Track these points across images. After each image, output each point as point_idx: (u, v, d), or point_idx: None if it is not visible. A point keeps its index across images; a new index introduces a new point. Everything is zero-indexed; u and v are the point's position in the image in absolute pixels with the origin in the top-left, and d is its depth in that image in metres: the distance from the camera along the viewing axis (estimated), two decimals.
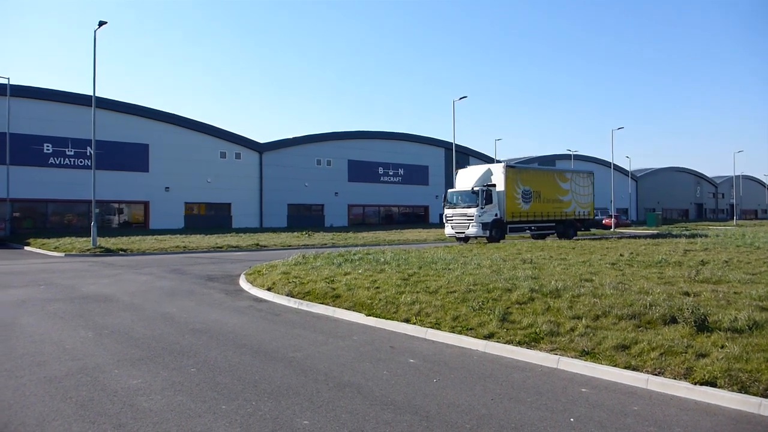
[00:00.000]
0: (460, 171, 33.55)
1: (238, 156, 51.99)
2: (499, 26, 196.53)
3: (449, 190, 32.56)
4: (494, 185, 31.30)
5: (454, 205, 31.53)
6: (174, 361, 7.43)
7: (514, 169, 33.32)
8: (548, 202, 35.12)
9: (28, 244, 29.21)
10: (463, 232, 30.92)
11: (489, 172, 32.05)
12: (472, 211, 30.38)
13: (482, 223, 30.27)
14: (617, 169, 75.97)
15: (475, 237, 31.43)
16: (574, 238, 35.99)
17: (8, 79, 34.57)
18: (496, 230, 31.03)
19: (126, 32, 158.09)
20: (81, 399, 5.91)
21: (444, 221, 32.34)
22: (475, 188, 30.56)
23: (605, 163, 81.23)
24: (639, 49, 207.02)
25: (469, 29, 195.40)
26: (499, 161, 73.25)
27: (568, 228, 36.60)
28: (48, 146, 41.19)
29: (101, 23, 27.68)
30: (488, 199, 30.38)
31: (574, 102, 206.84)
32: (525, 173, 34.14)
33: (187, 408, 5.66)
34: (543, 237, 35.86)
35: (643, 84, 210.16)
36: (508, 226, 32.00)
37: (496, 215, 30.95)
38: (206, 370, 7.03)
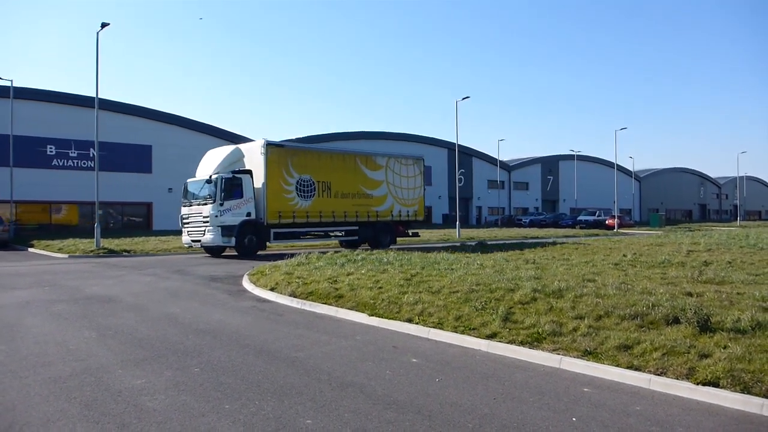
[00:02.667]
0: (208, 152, 25.12)
1: None
2: (501, 27, 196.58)
3: (188, 180, 24.26)
4: (248, 171, 23.50)
5: (190, 201, 23.53)
6: (178, 361, 7.45)
7: (281, 148, 24.18)
8: (347, 198, 26.31)
9: (32, 246, 29.30)
10: (199, 240, 22.73)
11: (238, 153, 24.09)
12: (207, 210, 22.35)
13: (222, 227, 22.25)
14: (620, 169, 75.93)
15: (215, 246, 23.50)
16: (392, 246, 27.89)
17: (11, 81, 34.68)
18: (249, 237, 23.19)
19: (128, 33, 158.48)
20: (85, 399, 5.93)
21: (180, 224, 24.13)
22: (213, 176, 22.40)
23: (609, 164, 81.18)
24: (642, 49, 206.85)
25: (471, 30, 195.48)
26: (503, 162, 73.32)
27: (381, 233, 27.89)
28: (51, 148, 41.31)
29: (104, 25, 27.73)
30: (232, 192, 22.58)
31: (578, 103, 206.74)
32: (302, 155, 24.97)
33: (191, 407, 5.69)
34: (355, 246, 27.37)
35: (647, 84, 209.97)
36: (273, 230, 23.77)
37: (248, 215, 22.99)
38: (210, 370, 7.05)
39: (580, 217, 63.18)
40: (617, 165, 65.62)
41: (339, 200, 25.91)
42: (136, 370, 7.04)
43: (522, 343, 7.95)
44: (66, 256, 24.46)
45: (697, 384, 6.17)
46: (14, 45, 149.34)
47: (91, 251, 24.98)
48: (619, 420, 5.47)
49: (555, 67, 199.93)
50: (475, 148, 72.91)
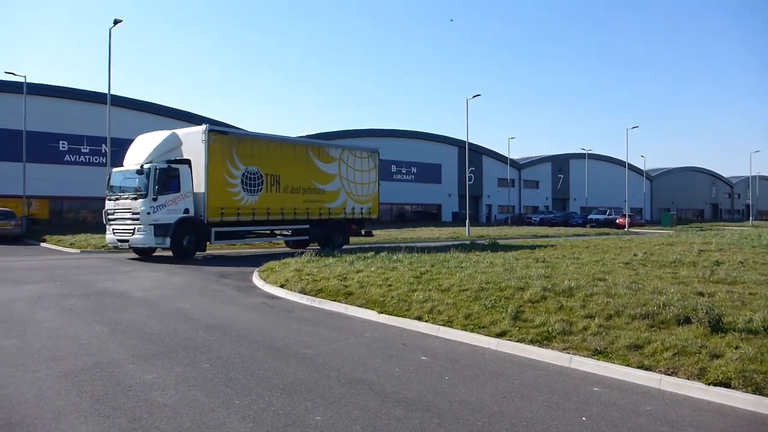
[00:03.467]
0: (140, 137, 21.72)
1: None
2: (511, 26, 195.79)
3: (114, 170, 21.25)
4: (186, 161, 20.45)
5: (117, 194, 20.35)
6: (188, 356, 7.49)
7: (225, 136, 21.12)
8: (297, 193, 23.64)
9: (44, 241, 29.49)
10: (128, 239, 19.74)
11: (175, 140, 20.76)
12: (138, 205, 19.24)
13: (156, 226, 19.28)
14: (632, 168, 75.58)
15: (146, 247, 20.57)
16: (344, 246, 25.28)
17: (25, 77, 34.88)
18: (188, 238, 20.24)
19: (139, 30, 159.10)
20: (96, 393, 5.97)
21: (104, 220, 20.99)
22: (144, 165, 19.32)
23: (620, 163, 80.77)
24: (654, 48, 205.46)
25: (481, 28, 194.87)
26: (513, 160, 73.09)
27: (333, 232, 25.37)
28: (63, 144, 41.57)
29: (116, 21, 27.90)
30: (167, 185, 19.59)
31: (589, 101, 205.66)
32: (249, 144, 22.02)
33: (201, 403, 5.71)
34: (304, 245, 25.18)
35: (659, 83, 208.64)
36: (214, 229, 20.83)
37: (186, 212, 20.00)
38: (220, 365, 7.08)
39: (591, 216, 62.91)
40: (628, 164, 65.29)
41: (289, 196, 23.26)
42: (147, 365, 7.08)
43: (532, 342, 7.94)
44: (78, 251, 24.62)
45: (709, 384, 6.14)
46: (27, 40, 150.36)
47: (103, 246, 25.12)
48: (629, 420, 5.44)
49: (566, 65, 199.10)
50: (485, 146, 72.76)
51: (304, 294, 12.15)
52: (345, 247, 25.30)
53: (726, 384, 6.07)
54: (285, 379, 6.57)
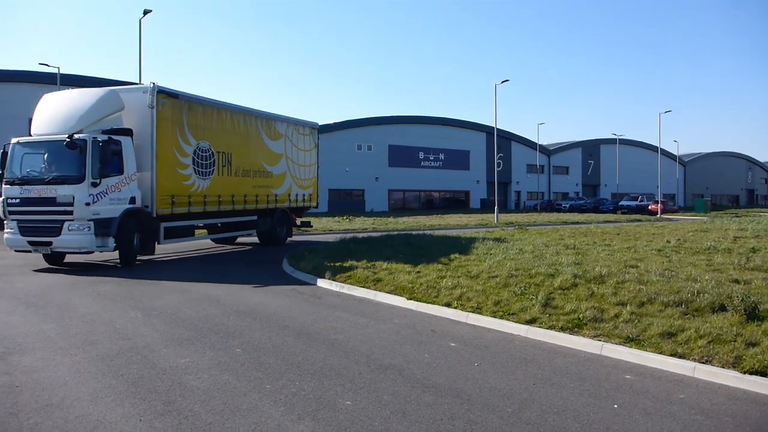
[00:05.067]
0: (55, 95, 15.82)
1: None
2: (540, 11, 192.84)
3: (18, 140, 15.02)
4: (128, 131, 15.23)
5: (26, 177, 14.47)
6: (220, 341, 7.60)
7: (176, 100, 16.17)
8: (247, 176, 19.50)
9: None
10: (50, 241, 14.12)
11: (115, 101, 15.31)
12: (69, 192, 13.88)
13: (96, 222, 14.02)
14: (664, 153, 74.22)
15: (79, 252, 14.83)
16: (289, 239, 22.65)
17: (58, 68, 35.50)
18: (137, 237, 15.29)
19: (171, 19, 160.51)
20: (132, 377, 6.11)
21: (4, 215, 14.76)
22: (79, 136, 14.00)
23: (652, 148, 79.25)
24: (689, 29, 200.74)
25: (510, 13, 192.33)
26: (542, 146, 72.28)
27: (278, 225, 21.53)
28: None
29: (146, 12, 28.18)
30: (108, 165, 14.29)
31: (620, 86, 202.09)
32: (200, 112, 17.23)
33: (233, 387, 5.80)
34: (231, 242, 21.90)
35: (693, 65, 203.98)
36: (164, 225, 16.05)
37: (132, 201, 14.95)
38: (251, 350, 7.18)
39: (622, 203, 61.97)
40: (661, 149, 64.04)
41: (240, 180, 19.07)
42: (180, 349, 7.20)
43: (562, 329, 7.88)
44: None
45: (744, 373, 6.03)
46: (58, 32, 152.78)
47: None
48: (662, 408, 5.38)
49: (597, 49, 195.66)
50: (514, 132, 72.03)
51: (333, 280, 12.21)
52: (290, 240, 22.85)
53: (762, 373, 5.97)
54: (315, 364, 6.63)
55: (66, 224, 13.88)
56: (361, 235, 20.82)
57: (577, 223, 38.01)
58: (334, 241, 18.21)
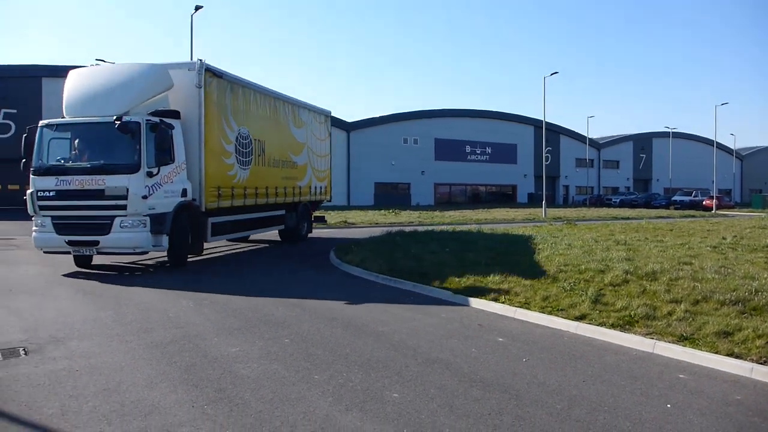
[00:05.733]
0: (79, 73, 13.54)
1: None
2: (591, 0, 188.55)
3: (51, 122, 12.96)
4: (176, 114, 13.47)
5: (61, 167, 12.56)
6: (269, 331, 7.73)
7: (221, 80, 14.55)
8: (278, 166, 17.98)
9: None
10: (97, 240, 12.22)
11: (165, 79, 13.42)
12: (121, 183, 12.03)
13: (152, 218, 12.30)
14: (720, 147, 71.75)
15: (131, 253, 13.20)
16: (310, 236, 21.22)
17: (113, 63, 36.45)
18: (190, 235, 13.70)
19: (213, 10, 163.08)
20: (184, 364, 6.27)
21: (33, 209, 12.55)
22: (131, 118, 12.22)
23: (707, 141, 76.85)
24: (746, 17, 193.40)
25: (559, 3, 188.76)
26: (592, 139, 70.86)
27: (301, 219, 20.05)
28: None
29: (197, 8, 28.68)
30: (163, 152, 12.63)
31: (674, 77, 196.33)
32: (241, 94, 15.65)
33: (282, 376, 5.90)
34: (246, 239, 19.54)
35: (750, 56, 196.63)
36: (211, 221, 14.48)
37: (183, 194, 13.30)
38: (299, 341, 7.27)
39: (675, 198, 60.32)
40: (716, 143, 62.06)
41: (272, 170, 17.58)
42: (231, 338, 7.35)
43: (613, 326, 7.73)
44: None
45: None
46: (109, 27, 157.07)
47: None
48: (717, 409, 5.24)
49: (649, 39, 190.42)
50: (563, 126, 70.77)
51: (380, 273, 12.26)
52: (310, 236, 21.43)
53: None
54: (362, 355, 6.68)
55: (117, 220, 11.96)
56: (407, 229, 20.80)
57: (628, 218, 37.15)
58: (382, 234, 18.22)
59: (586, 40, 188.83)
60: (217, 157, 14.32)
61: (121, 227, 12.01)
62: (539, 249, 13.92)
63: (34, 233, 12.54)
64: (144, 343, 7.07)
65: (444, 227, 24.04)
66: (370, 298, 10.23)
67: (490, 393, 5.52)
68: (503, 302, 9.32)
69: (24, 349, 6.74)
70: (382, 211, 39.86)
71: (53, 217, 12.28)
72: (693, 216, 42.25)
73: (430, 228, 23.24)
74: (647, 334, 7.34)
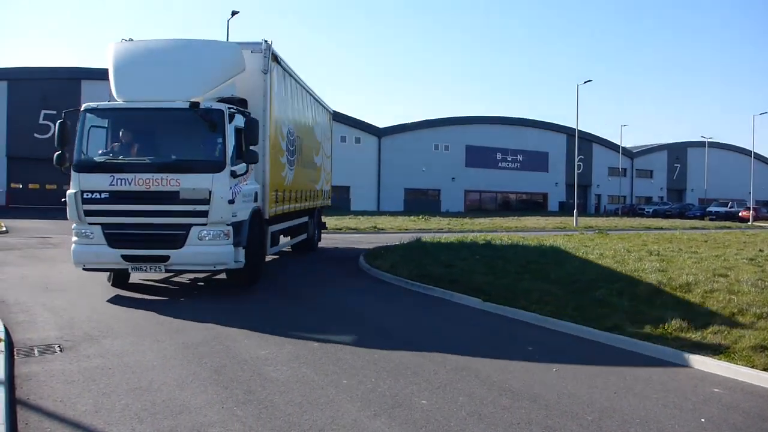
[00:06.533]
0: (132, 47, 10.96)
1: (357, 140, 53.06)
2: (625, 6, 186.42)
3: (89, 108, 10.23)
4: (243, 103, 11.36)
5: (119, 164, 9.88)
6: (298, 334, 7.77)
7: (280, 67, 12.66)
8: (306, 167, 16.22)
9: None
10: (166, 256, 9.79)
11: (239, 58, 11.12)
12: (202, 184, 9.68)
13: (235, 227, 10.10)
14: (758, 157, 70.13)
15: (208, 271, 11.11)
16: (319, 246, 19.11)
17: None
18: (262, 247, 11.80)
19: (245, 16, 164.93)
20: (215, 365, 6.34)
21: (77, 217, 9.78)
22: (211, 105, 10.00)
23: (744, 151, 75.22)
24: None
25: (592, 10, 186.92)
26: (625, 148, 69.88)
27: (316, 227, 18.28)
28: None
29: (234, 13, 29.07)
30: (251, 147, 10.37)
31: (710, 86, 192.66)
32: (292, 85, 14.03)
33: (311, 380, 5.92)
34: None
35: None
36: (271, 229, 12.73)
37: (255, 198, 11.23)
38: (328, 345, 7.30)
39: (710, 208, 59.10)
40: (754, 152, 60.73)
41: (305, 172, 15.95)
42: (260, 341, 7.41)
43: (646, 338, 7.60)
44: None
45: None
46: (142, 31, 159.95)
47: None
48: (754, 424, 5.11)
49: (685, 47, 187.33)
50: (595, 134, 70.00)
51: (409, 279, 12.23)
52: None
53: None
54: (391, 361, 6.67)
55: (194, 230, 9.70)
56: (437, 235, 20.72)
57: (661, 228, 36.51)
58: (411, 240, 18.18)
59: (620, 48, 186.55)
60: (276, 155, 12.41)
61: (199, 239, 9.73)
62: (571, 258, 13.77)
63: (74, 246, 9.93)
64: (176, 344, 7.16)
65: (474, 234, 23.90)
66: (398, 304, 10.19)
67: (519, 402, 5.47)
68: (533, 311, 9.19)
69: (59, 346, 6.89)
70: (412, 217, 39.82)
71: (105, 226, 9.70)
72: (728, 227, 41.34)
73: (460, 235, 23.13)
74: (681, 347, 7.19)
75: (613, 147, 69.89)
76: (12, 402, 5.09)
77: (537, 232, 29.33)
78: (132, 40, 11.19)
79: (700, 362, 6.77)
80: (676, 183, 78.50)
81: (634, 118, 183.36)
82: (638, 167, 75.28)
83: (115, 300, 9.84)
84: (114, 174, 9.68)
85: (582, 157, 61.59)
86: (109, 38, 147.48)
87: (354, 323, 8.56)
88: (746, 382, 6.25)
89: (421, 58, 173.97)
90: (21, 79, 41.28)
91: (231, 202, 9.77)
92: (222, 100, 10.40)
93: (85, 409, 5.02)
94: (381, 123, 58.11)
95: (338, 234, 26.03)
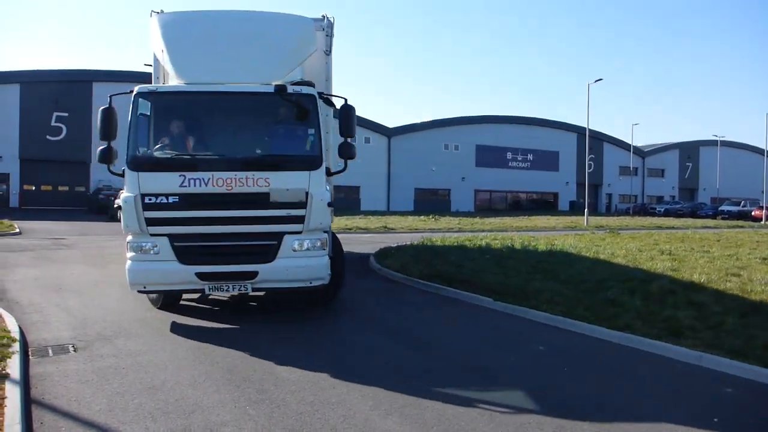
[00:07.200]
0: (174, 20, 9.01)
1: (367, 140, 53.06)
2: (635, 5, 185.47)
3: (144, 91, 8.15)
4: (312, 86, 8.68)
5: (190, 160, 8.05)
6: (311, 334, 7.80)
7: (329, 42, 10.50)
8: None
9: None
10: (254, 272, 7.98)
11: (312, 36, 9.50)
12: (297, 184, 7.99)
13: (328, 233, 8.67)
14: None
15: (289, 289, 8.66)
16: None
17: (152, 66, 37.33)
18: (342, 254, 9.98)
19: None
20: (227, 364, 6.37)
21: (138, 227, 7.77)
22: (301, 90, 8.31)
23: (757, 150, 74.58)
24: None
25: (602, 9, 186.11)
26: (636, 147, 69.52)
27: None
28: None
29: None
30: (348, 139, 8.44)
31: (723, 84, 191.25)
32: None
33: (322, 379, 5.95)
34: None
35: None
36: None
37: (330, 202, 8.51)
38: (340, 345, 7.32)
39: (722, 207, 58.64)
40: (767, 151, 60.25)
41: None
42: (273, 341, 7.44)
43: (657, 337, 7.55)
44: None
45: None
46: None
47: None
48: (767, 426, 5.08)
49: (697, 44, 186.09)
50: (606, 133, 69.66)
51: (421, 279, 12.23)
52: None
53: None
54: (402, 361, 6.69)
55: (288, 240, 8.11)
56: (447, 235, 20.70)
57: (673, 228, 36.29)
58: (421, 240, 18.16)
59: (631, 47, 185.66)
60: (328, 149, 9.48)
61: (293, 250, 8.15)
62: (582, 258, 13.73)
63: (131, 264, 7.93)
64: (188, 343, 7.21)
65: (484, 234, 23.85)
66: (409, 303, 10.20)
67: (530, 403, 5.47)
68: (544, 310, 9.18)
69: (73, 346, 6.95)
70: (422, 217, 39.75)
71: (173, 237, 7.92)
72: (741, 226, 41.01)
73: (470, 235, 23.09)
74: (693, 346, 7.14)
75: (624, 146, 69.55)
76: (27, 401, 5.15)
77: (547, 232, 29.22)
78: (163, 12, 9.21)
79: (714, 362, 6.73)
80: (688, 182, 78.03)
81: (645, 117, 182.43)
82: (650, 166, 74.88)
83: (128, 300, 9.90)
84: (185, 173, 7.80)
85: (593, 156, 61.33)
86: (113, 39, 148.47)
87: (363, 323, 8.58)
88: (761, 382, 6.21)
89: (431, 57, 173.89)
90: (33, 82, 41.61)
91: (330, 204, 8.36)
92: (294, 84, 8.55)
93: (99, 408, 5.06)
94: (390, 123, 58.16)
95: (348, 234, 26.05)
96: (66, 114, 41.87)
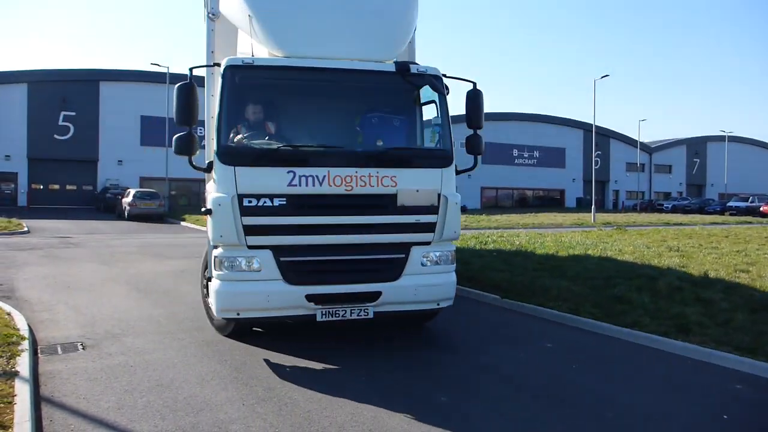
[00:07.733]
0: None
1: None
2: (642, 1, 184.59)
3: (238, 63, 6.48)
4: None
5: (301, 153, 6.40)
6: (317, 333, 7.80)
7: None
8: None
9: (183, 220, 31.66)
10: (377, 292, 6.52)
11: (416, 11, 7.62)
12: (429, 184, 6.86)
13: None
14: None
15: (412, 313, 7.20)
16: None
17: (168, 68, 37.44)
18: None
19: None
20: (235, 362, 6.38)
21: (236, 237, 6.14)
22: (426, 70, 6.95)
23: (766, 146, 74.35)
24: None
25: (610, 5, 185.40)
26: (643, 143, 69.23)
27: None
28: (200, 129, 44.26)
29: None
30: (478, 124, 7.66)
31: (730, 80, 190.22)
32: None
33: (330, 377, 5.96)
34: None
35: None
36: None
37: None
38: (346, 343, 7.32)
39: (731, 203, 58.26)
40: None
41: None
42: (281, 339, 7.43)
43: (666, 334, 7.51)
44: None
45: None
46: (169, 33, 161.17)
47: None
48: None
49: (704, 39, 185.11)
50: (613, 129, 69.40)
51: None
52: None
53: None
54: (409, 357, 6.68)
55: (416, 252, 6.76)
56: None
57: (681, 224, 36.17)
58: None
59: (638, 43, 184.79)
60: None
61: (423, 265, 6.78)
62: (589, 255, 13.69)
63: (221, 285, 6.34)
64: (196, 341, 7.22)
65: (491, 231, 23.79)
66: None
67: (537, 399, 5.46)
68: (552, 307, 9.16)
69: (82, 344, 6.97)
70: None
71: (278, 251, 6.36)
72: (749, 222, 40.83)
73: (476, 232, 23.06)
74: (702, 343, 7.11)
75: (631, 142, 69.28)
76: (37, 399, 5.17)
77: (554, 229, 29.13)
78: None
79: (723, 359, 6.70)
80: (696, 178, 77.67)
81: (652, 113, 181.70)
82: (657, 162, 74.57)
83: (136, 298, 9.94)
84: (294, 168, 6.26)
85: (599, 152, 61.17)
86: (121, 39, 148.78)
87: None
88: None
89: (437, 54, 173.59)
90: (40, 81, 41.82)
91: (464, 209, 7.38)
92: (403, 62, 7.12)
93: (108, 406, 5.08)
94: None
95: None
96: (73, 113, 42.09)
